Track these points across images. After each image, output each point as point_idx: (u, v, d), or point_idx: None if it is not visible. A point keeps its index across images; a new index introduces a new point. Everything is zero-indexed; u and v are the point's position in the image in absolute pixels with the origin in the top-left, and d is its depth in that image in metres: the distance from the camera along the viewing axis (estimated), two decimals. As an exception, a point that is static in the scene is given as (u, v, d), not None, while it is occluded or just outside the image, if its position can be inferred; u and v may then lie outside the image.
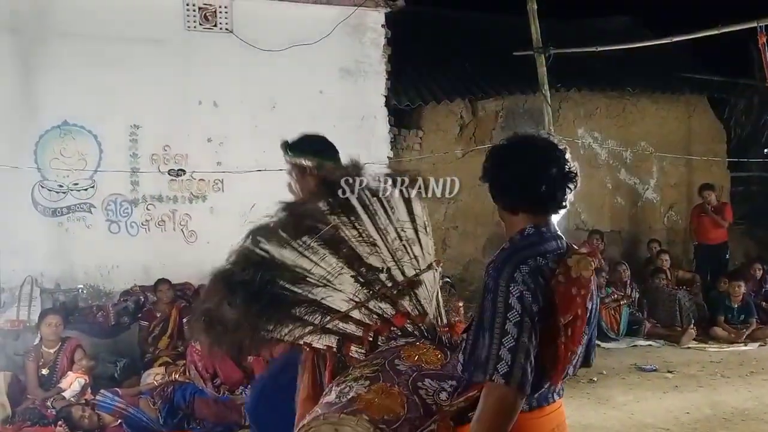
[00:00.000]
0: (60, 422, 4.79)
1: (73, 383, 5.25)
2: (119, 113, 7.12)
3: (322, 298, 2.48)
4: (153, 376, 5.44)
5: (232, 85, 7.56)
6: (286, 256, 2.48)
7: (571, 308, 1.82)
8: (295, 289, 2.47)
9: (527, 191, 1.91)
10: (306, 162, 2.80)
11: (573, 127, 9.45)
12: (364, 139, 7.93)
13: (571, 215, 8.88)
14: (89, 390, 5.35)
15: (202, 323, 2.50)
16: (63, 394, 5.22)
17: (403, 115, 8.69)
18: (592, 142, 9.58)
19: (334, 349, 2.49)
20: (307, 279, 2.48)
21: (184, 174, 7.41)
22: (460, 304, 7.16)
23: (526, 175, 1.92)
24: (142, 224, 7.20)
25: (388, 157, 8.20)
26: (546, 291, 1.79)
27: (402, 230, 2.60)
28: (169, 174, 7.34)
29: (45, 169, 6.87)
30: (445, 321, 2.59)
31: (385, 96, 8.26)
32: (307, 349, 2.54)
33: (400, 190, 2.64)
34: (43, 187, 6.86)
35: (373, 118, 8.20)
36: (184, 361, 5.65)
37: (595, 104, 9.68)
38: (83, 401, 5.08)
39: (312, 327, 2.48)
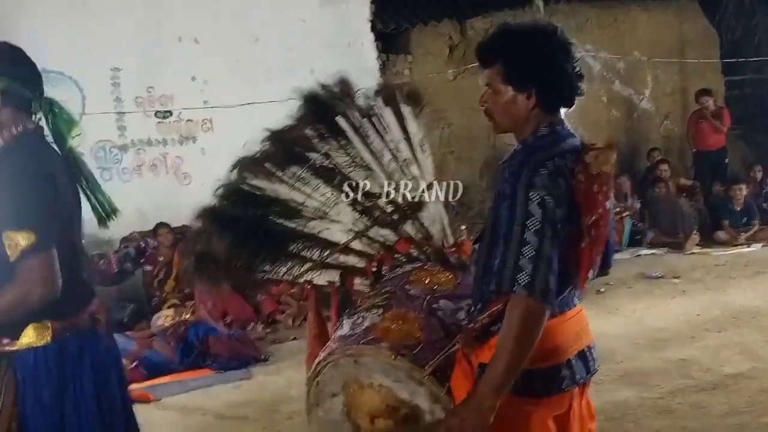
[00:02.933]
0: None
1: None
2: (98, 56, 6.87)
3: (319, 232, 2.37)
4: (163, 318, 5.42)
5: (212, 20, 7.30)
6: (276, 189, 2.36)
7: (594, 207, 1.72)
8: (289, 224, 2.35)
9: (549, 79, 1.77)
10: None
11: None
12: (352, 67, 7.55)
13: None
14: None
15: (195, 266, 2.39)
16: (74, 342, 5.20)
17: (390, 40, 8.45)
18: (584, 54, 9.38)
19: (337, 284, 2.40)
20: (301, 212, 2.36)
21: (171, 115, 7.23)
22: (463, 227, 7.14)
23: (550, 61, 1.77)
24: (134, 170, 7.08)
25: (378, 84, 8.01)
26: (567, 193, 1.68)
27: (397, 151, 2.47)
28: (155, 116, 7.16)
29: (27, 120, 6.66)
30: (451, 241, 2.49)
31: (371, 21, 8.01)
32: (309, 286, 2.44)
33: (392, 107, 2.50)
34: (27, 137, 6.66)
35: (359, 44, 7.98)
36: (193, 302, 5.63)
37: (586, 15, 9.45)
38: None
39: (311, 263, 2.37)
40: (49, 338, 1.96)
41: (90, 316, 2.07)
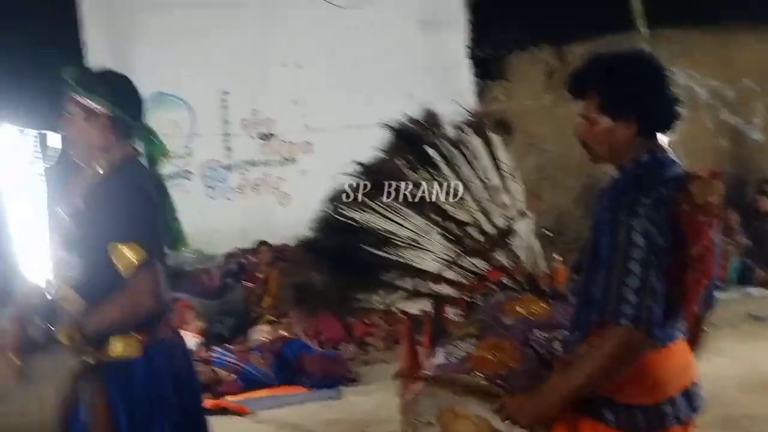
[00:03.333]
0: (178, 379, 5.03)
1: (187, 342, 5.49)
2: (208, 80, 7.27)
3: (411, 260, 2.38)
4: (260, 333, 5.62)
5: (315, 46, 7.57)
6: (369, 219, 2.39)
7: (699, 238, 1.68)
8: (382, 253, 2.38)
9: (647, 106, 1.74)
10: (98, 106, 2.12)
11: (669, 66, 8.94)
12: (448, 92, 7.76)
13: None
14: (202, 348, 5.59)
15: (292, 295, 2.47)
16: (179, 352, 5.47)
17: (487, 66, 8.46)
18: (689, 81, 9.06)
19: (431, 313, 2.41)
20: (393, 241, 2.38)
21: (274, 137, 7.52)
22: (557, 256, 7.00)
23: (646, 87, 1.74)
24: (238, 189, 7.40)
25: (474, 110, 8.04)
26: (671, 222, 1.64)
27: (487, 179, 2.47)
28: (259, 138, 7.47)
29: (143, 140, 7.12)
30: (545, 270, 2.47)
31: (468, 46, 8.06)
32: (402, 315, 2.46)
33: (482, 136, 2.51)
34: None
35: (456, 69, 8.04)
36: (289, 319, 5.81)
37: (692, 41, 9.12)
38: (198, 358, 5.31)
39: (404, 291, 2.40)
40: (138, 349, 2.07)
41: (168, 326, 2.20)
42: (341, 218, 2.40)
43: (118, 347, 2.06)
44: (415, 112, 2.60)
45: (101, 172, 2.12)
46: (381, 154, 2.53)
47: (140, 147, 2.21)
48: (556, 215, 8.67)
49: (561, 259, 6.57)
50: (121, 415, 2.06)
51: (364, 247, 2.37)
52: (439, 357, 2.11)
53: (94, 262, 2.05)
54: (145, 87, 7.11)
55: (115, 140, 2.13)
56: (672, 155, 1.79)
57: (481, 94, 8.29)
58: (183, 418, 2.15)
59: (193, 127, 7.31)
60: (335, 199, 2.44)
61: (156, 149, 2.22)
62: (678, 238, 1.65)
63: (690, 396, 1.77)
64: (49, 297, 2.19)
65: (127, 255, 1.98)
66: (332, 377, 5.21)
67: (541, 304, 2.20)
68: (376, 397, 4.90)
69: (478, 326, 2.14)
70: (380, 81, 7.67)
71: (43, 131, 6.27)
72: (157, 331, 2.12)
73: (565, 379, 1.68)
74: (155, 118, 7.27)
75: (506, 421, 1.75)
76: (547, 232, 7.36)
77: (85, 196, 2.11)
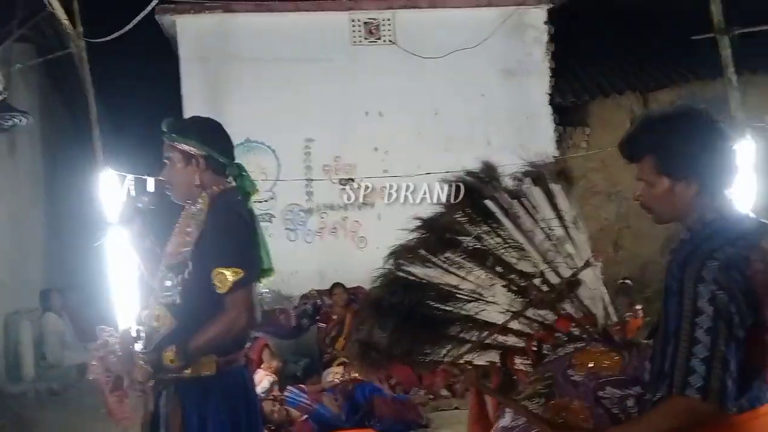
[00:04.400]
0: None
1: (262, 381, 5.63)
2: (294, 129, 7.60)
3: (476, 313, 2.38)
4: (333, 375, 5.69)
5: (396, 95, 7.77)
6: (431, 274, 2.40)
7: None
8: (446, 308, 2.39)
9: (707, 163, 1.70)
10: (193, 149, 2.34)
11: (760, 113, 8.59)
12: (529, 140, 7.77)
13: (761, 208, 8.08)
14: (276, 387, 5.71)
15: (358, 351, 2.50)
16: (254, 389, 5.62)
17: (568, 113, 8.42)
18: (783, 128, 8.64)
19: (498, 364, 2.39)
20: (457, 295, 2.39)
21: (353, 182, 7.73)
22: (638, 307, 6.77)
23: (705, 145, 1.71)
24: (317, 232, 7.63)
25: (553, 156, 7.98)
26: (743, 284, 1.59)
27: (550, 229, 2.44)
28: (339, 183, 7.70)
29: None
30: (615, 319, 2.40)
31: (549, 94, 8.06)
32: (469, 367, 2.45)
33: (542, 186, 2.49)
34: (230, 200, 7.47)
35: (536, 117, 8.04)
36: (361, 362, 5.84)
37: (786, 86, 8.73)
38: (272, 397, 5.44)
39: (470, 344, 2.38)
40: (214, 369, 2.24)
41: (245, 356, 2.40)
42: (404, 273, 2.42)
43: (197, 367, 2.24)
44: (490, 160, 2.63)
45: (203, 207, 2.35)
46: (441, 209, 2.56)
47: (234, 183, 2.42)
48: (639, 264, 8.39)
49: (639, 307, 6.35)
50: (192, 424, 2.22)
51: (427, 301, 2.39)
52: (507, 418, 2.08)
53: (193, 285, 2.25)
54: (235, 135, 7.52)
55: (211, 178, 2.37)
56: (742, 211, 1.75)
57: (561, 140, 8.22)
58: None
59: (277, 173, 7.62)
60: (397, 254, 2.47)
61: (248, 185, 2.43)
62: (753, 300, 1.59)
63: None
64: (138, 330, 2.37)
65: (227, 275, 2.19)
66: (403, 421, 5.21)
67: (613, 356, 2.14)
68: (445, 444, 4.86)
69: (547, 384, 2.10)
70: (460, 129, 7.77)
71: (142, 176, 6.73)
72: (236, 358, 2.32)
73: (629, 428, 1.69)
74: (244, 164, 7.61)
75: None
76: (627, 282, 7.15)
77: (186, 226, 2.35)
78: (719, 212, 1.71)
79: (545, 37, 7.99)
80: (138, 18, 6.09)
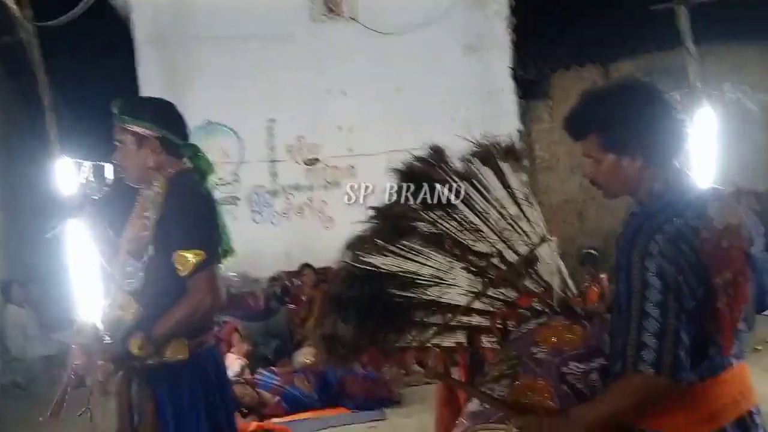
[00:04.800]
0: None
1: (233, 364, 5.60)
2: (256, 109, 7.50)
3: (439, 297, 2.37)
4: (304, 356, 5.69)
5: (359, 73, 7.72)
6: (389, 263, 2.38)
7: (725, 264, 1.61)
8: (408, 294, 2.37)
9: (651, 137, 1.70)
10: (145, 130, 2.29)
11: (719, 82, 8.74)
12: (492, 114, 7.80)
13: (721, 176, 8.26)
14: (247, 370, 5.69)
15: (323, 347, 2.46)
16: (225, 374, 5.60)
17: (531, 86, 8.45)
18: (741, 96, 8.81)
19: (465, 344, 2.39)
20: (417, 281, 2.37)
21: (318, 162, 7.67)
22: (603, 275, 6.90)
23: (646, 118, 1.70)
24: (283, 213, 7.57)
25: (518, 130, 8.02)
26: (691, 256, 1.58)
27: (503, 208, 2.44)
28: (304, 163, 7.63)
29: (194, 167, 7.37)
30: (574, 291, 2.42)
31: (512, 68, 8.08)
32: (437, 350, 2.44)
33: (491, 166, 2.48)
34: (193, 183, 7.36)
35: (500, 91, 8.07)
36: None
37: (743, 56, 8.90)
38: (243, 380, 5.42)
39: (436, 327, 2.37)
40: (186, 353, 2.21)
41: (213, 336, 2.37)
42: (362, 265, 2.39)
43: (168, 351, 2.20)
44: (462, 138, 2.59)
45: (160, 190, 2.29)
46: (393, 197, 2.52)
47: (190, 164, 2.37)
48: (603, 235, 8.52)
49: (604, 275, 6.46)
50: (169, 416, 2.20)
51: (388, 290, 2.37)
52: (474, 403, 2.07)
53: (155, 269, 2.22)
54: (195, 117, 7.38)
55: (166, 159, 2.31)
56: (691, 179, 1.75)
57: (524, 114, 8.26)
58: (225, 419, 2.31)
59: (240, 155, 7.52)
60: (353, 246, 2.44)
61: (204, 166, 2.39)
62: (701, 270, 1.59)
63: (746, 425, 1.70)
64: (103, 317, 2.32)
65: (188, 258, 2.15)
66: (375, 399, 5.24)
67: (576, 329, 2.14)
68: (418, 419, 4.89)
69: (512, 363, 2.10)
70: (424, 106, 7.75)
71: (99, 163, 6.58)
72: (206, 339, 2.30)
73: (587, 412, 1.69)
74: (205, 147, 7.50)
75: None
76: (593, 252, 7.26)
77: (150, 212, 2.29)
78: (668, 184, 1.71)
79: (506, 11, 8.00)
80: (90, -1, 5.89)
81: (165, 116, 2.35)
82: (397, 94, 7.79)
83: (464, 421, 2.04)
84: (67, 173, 5.04)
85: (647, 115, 1.71)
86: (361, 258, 2.40)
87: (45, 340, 6.98)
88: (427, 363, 5.83)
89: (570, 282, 2.42)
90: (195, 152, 2.38)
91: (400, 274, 2.38)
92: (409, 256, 2.39)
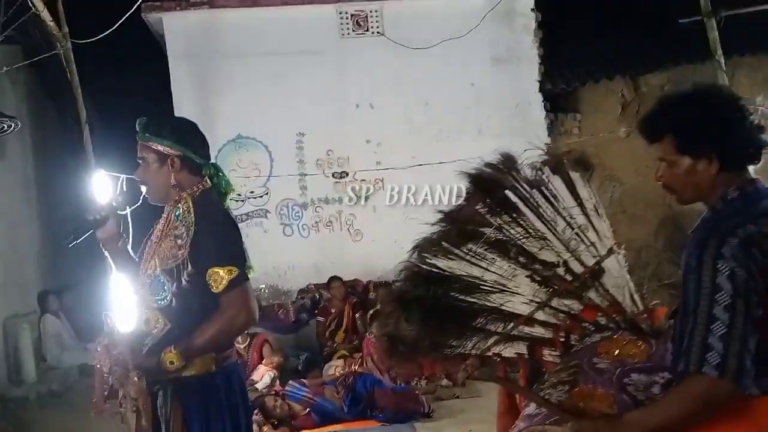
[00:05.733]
0: (255, 411, 5.17)
1: (264, 376, 5.64)
2: (286, 123, 7.58)
3: (501, 305, 2.34)
4: (334, 368, 5.71)
5: (387, 86, 7.76)
6: (454, 266, 2.37)
7: None
8: (471, 299, 2.35)
9: (727, 139, 1.70)
10: (167, 149, 2.32)
11: (750, 95, 8.62)
12: (520, 127, 7.79)
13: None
14: (277, 382, 5.73)
15: (386, 346, 2.45)
16: (256, 386, 5.64)
17: (559, 99, 8.42)
18: (773, 109, 8.68)
19: (526, 356, 2.35)
20: (481, 287, 2.35)
21: (347, 176, 7.73)
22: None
23: (722, 121, 1.71)
24: (312, 226, 7.62)
25: (545, 143, 7.99)
26: (763, 262, 1.57)
27: (571, 218, 2.40)
28: (333, 177, 7.70)
29: (225, 181, 7.46)
30: (641, 307, 2.34)
31: (539, 81, 8.07)
32: (497, 360, 2.41)
33: (561, 175, 2.45)
34: (224, 197, 7.45)
35: (527, 104, 8.05)
36: (361, 354, 5.88)
37: (774, 67, 8.76)
38: (273, 392, 5.45)
39: (497, 336, 2.34)
40: (213, 367, 2.26)
41: (234, 350, 2.42)
42: (427, 267, 2.40)
43: (196, 366, 2.24)
44: (489, 152, 2.58)
45: (187, 207, 2.32)
46: (462, 202, 2.55)
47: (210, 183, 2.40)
48: (635, 250, 8.42)
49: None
50: (196, 425, 2.23)
51: (452, 294, 2.36)
52: (531, 407, 2.06)
53: (187, 286, 2.24)
54: (226, 131, 7.50)
55: (187, 178, 2.35)
56: (764, 187, 1.74)
57: (552, 127, 8.23)
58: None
59: (271, 168, 7.62)
60: (420, 247, 2.45)
61: (224, 183, 2.42)
62: None
63: None
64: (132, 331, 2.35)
65: (222, 274, 2.19)
66: (405, 412, 5.23)
67: (640, 345, 2.11)
68: (448, 433, 4.89)
69: (571, 372, 2.08)
70: (452, 119, 7.78)
71: (131, 176, 6.71)
72: (229, 353, 2.34)
73: (644, 417, 1.66)
74: (236, 160, 7.69)
75: None
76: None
77: (182, 230, 2.31)
78: (741, 190, 1.70)
79: (533, 24, 7.99)
80: (124, 17, 6.05)
81: (187, 135, 2.39)
82: (425, 107, 7.83)
83: (519, 423, 2.03)
84: (103, 186, 5.15)
85: (724, 119, 1.72)
86: (427, 260, 2.40)
87: (80, 349, 7.10)
88: (455, 376, 5.84)
89: (637, 298, 2.36)
90: (216, 171, 2.41)
91: (464, 278, 2.36)
92: (474, 260, 2.37)
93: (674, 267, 7.48)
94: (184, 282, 2.24)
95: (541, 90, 8.04)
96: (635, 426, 1.66)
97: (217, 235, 2.24)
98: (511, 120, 7.82)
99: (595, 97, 8.54)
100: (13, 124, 5.35)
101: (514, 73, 8.02)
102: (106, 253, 2.54)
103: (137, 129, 2.37)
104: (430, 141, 7.59)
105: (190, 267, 2.24)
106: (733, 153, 1.71)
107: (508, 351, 2.37)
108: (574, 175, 2.47)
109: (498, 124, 7.67)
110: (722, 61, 7.23)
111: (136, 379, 2.19)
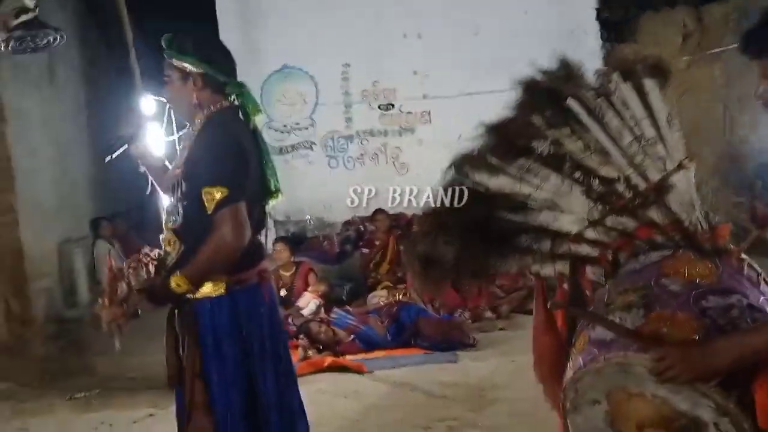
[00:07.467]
0: (301, 336, 5.25)
1: (309, 303, 5.71)
2: (331, 53, 7.44)
3: (549, 224, 2.17)
4: (378, 298, 5.73)
5: (435, 15, 7.53)
6: (501, 183, 2.19)
7: None
8: (516, 218, 2.18)
9: None
10: (190, 66, 2.26)
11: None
12: (574, 57, 7.43)
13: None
14: (322, 310, 5.79)
15: (419, 266, 2.28)
16: (301, 312, 5.72)
17: (616, 29, 8.04)
18: None
19: (567, 274, 2.19)
20: (529, 205, 2.18)
21: (393, 108, 7.59)
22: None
23: None
24: (358, 158, 7.56)
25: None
26: None
27: (639, 130, 2.18)
28: (379, 108, 7.57)
29: (270, 112, 7.41)
30: (705, 226, 2.14)
31: (596, 8, 7.70)
32: (536, 278, 2.27)
33: (632, 82, 2.20)
34: (269, 128, 7.42)
35: (583, 33, 7.69)
36: (405, 285, 5.88)
37: None
38: (318, 319, 5.52)
39: (540, 255, 2.19)
40: (223, 290, 2.23)
41: (259, 273, 2.34)
42: (470, 183, 2.23)
43: (206, 288, 2.24)
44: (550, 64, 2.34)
45: (199, 126, 2.29)
46: (511, 113, 2.28)
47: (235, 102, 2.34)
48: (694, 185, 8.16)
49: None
50: (208, 342, 2.24)
51: (496, 213, 2.20)
52: (598, 331, 1.89)
53: (191, 207, 2.22)
54: (272, 61, 7.43)
55: (209, 96, 2.29)
56: None
57: (610, 58, 7.89)
58: (272, 355, 2.32)
59: (317, 99, 7.53)
60: (461, 163, 2.26)
61: (249, 103, 2.34)
62: None
63: None
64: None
65: (214, 194, 2.14)
66: (449, 341, 5.23)
67: (708, 264, 1.95)
68: (491, 363, 4.87)
69: (642, 293, 1.90)
70: (502, 48, 7.50)
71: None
72: (247, 276, 2.29)
73: (736, 345, 1.56)
74: (282, 90, 7.62)
75: (664, 373, 1.62)
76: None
77: (185, 147, 2.31)
78: None
79: (592, -52, 7.57)
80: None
81: (210, 53, 2.31)
82: (474, 37, 7.56)
83: (593, 348, 1.88)
84: (150, 110, 5.15)
85: None
86: (469, 176, 2.23)
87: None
88: (500, 308, 5.78)
89: (701, 216, 2.16)
90: (240, 90, 2.33)
91: (511, 195, 2.20)
92: (524, 176, 2.19)
93: (730, 206, 7.21)
94: (181, 201, 2.24)
95: (597, 18, 7.69)
96: (727, 354, 1.55)
97: (212, 154, 2.18)
98: (566, 50, 7.36)
99: (655, 26, 8.13)
100: (59, 36, 5.27)
101: (569, 0, 7.66)
102: (147, 173, 2.53)
103: (162, 45, 2.30)
104: (479, 72, 7.35)
105: (184, 185, 2.22)
106: None
107: (549, 270, 2.22)
108: (648, 83, 2.22)
109: (551, 55, 7.35)
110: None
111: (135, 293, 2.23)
